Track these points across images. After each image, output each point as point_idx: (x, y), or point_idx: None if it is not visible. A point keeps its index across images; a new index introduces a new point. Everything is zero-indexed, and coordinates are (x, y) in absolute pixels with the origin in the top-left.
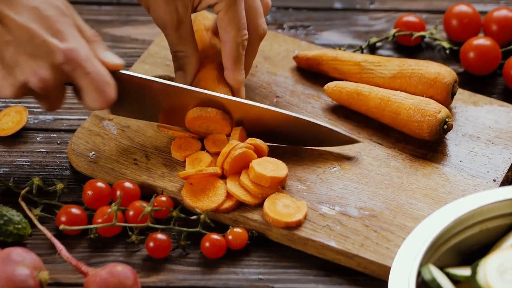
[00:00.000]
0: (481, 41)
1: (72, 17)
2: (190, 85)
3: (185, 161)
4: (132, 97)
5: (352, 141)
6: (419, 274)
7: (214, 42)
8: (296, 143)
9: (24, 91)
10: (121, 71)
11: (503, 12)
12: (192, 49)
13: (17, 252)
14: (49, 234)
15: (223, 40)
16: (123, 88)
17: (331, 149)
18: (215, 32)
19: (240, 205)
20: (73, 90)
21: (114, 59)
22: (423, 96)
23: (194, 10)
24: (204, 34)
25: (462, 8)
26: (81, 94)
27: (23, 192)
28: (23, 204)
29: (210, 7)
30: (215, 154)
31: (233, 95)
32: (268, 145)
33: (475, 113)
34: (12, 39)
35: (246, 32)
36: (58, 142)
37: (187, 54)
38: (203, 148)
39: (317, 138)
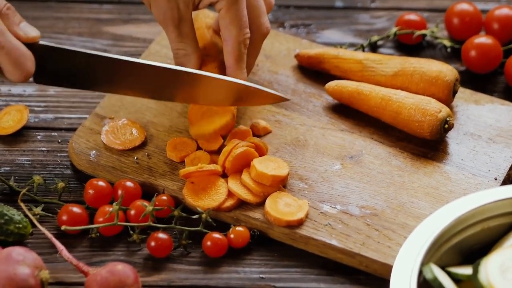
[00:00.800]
0: (483, 39)
1: None
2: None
3: (182, 162)
4: (56, 66)
5: (280, 99)
6: (420, 273)
7: (215, 41)
8: (230, 104)
9: None
10: (41, 43)
11: (504, 11)
12: (193, 47)
13: (17, 252)
14: (49, 235)
15: (224, 39)
16: (45, 57)
17: (329, 141)
18: (217, 30)
19: (242, 204)
20: None
21: (30, 32)
22: (425, 95)
23: (196, 8)
24: (205, 32)
25: (464, 6)
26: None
27: (22, 192)
28: (22, 205)
29: (211, 5)
30: (211, 153)
31: None
32: (271, 141)
33: (477, 112)
34: None
35: (248, 30)
36: (59, 140)
37: (187, 52)
38: (198, 148)
39: (249, 98)
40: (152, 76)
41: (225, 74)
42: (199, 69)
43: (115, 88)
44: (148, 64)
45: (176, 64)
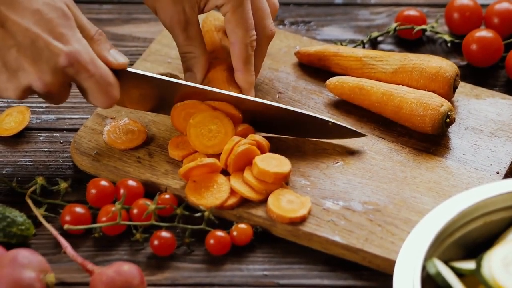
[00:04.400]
0: (484, 33)
1: (74, 18)
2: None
3: (182, 161)
4: (138, 91)
5: (356, 134)
6: (423, 268)
7: (224, 44)
8: (302, 136)
9: (28, 93)
10: (128, 69)
11: (504, 5)
12: (201, 49)
13: (23, 255)
14: (54, 232)
15: (231, 42)
16: (129, 82)
17: (334, 141)
18: (226, 33)
19: (244, 202)
20: (78, 88)
21: (119, 58)
22: (425, 90)
23: (201, 11)
24: (214, 35)
25: (464, 1)
26: (85, 94)
27: (29, 191)
28: (30, 202)
29: (217, 8)
30: (211, 155)
31: None
32: (272, 138)
33: (478, 106)
34: (14, 42)
35: (254, 32)
36: (61, 141)
37: (196, 55)
38: None
39: (322, 131)
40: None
41: (233, 77)
42: (207, 71)
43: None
44: (222, 93)
45: (184, 67)
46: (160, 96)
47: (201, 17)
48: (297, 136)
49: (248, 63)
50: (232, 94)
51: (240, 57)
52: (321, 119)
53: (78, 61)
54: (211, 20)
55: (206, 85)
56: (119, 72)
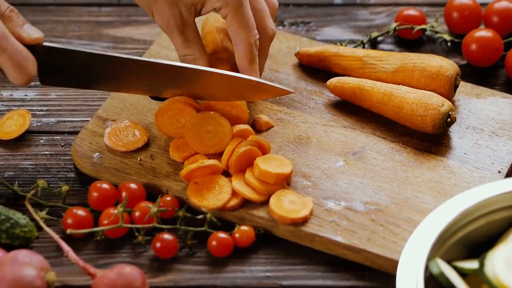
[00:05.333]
0: (483, 33)
1: None
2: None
3: (183, 163)
4: (60, 66)
5: (282, 91)
6: (426, 268)
7: (226, 45)
8: (234, 99)
9: None
10: (44, 44)
11: (503, 4)
12: (200, 51)
13: (23, 254)
14: (56, 236)
15: (235, 44)
16: (49, 58)
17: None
18: (227, 34)
19: (246, 203)
20: None
21: (33, 33)
22: (426, 90)
23: (198, 14)
24: (216, 36)
25: (463, 0)
26: (2, 72)
27: (29, 195)
28: (29, 206)
29: (215, 11)
30: (212, 155)
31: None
32: (273, 139)
33: (478, 105)
34: None
35: (256, 31)
36: (62, 144)
37: (195, 56)
38: None
39: (251, 92)
40: (154, 73)
41: None
42: None
43: (117, 86)
44: (149, 61)
45: None
46: (89, 70)
47: (201, 18)
48: (228, 100)
49: (254, 63)
50: (165, 62)
51: (245, 58)
52: (245, 78)
53: None
54: (211, 22)
55: None
56: (36, 48)
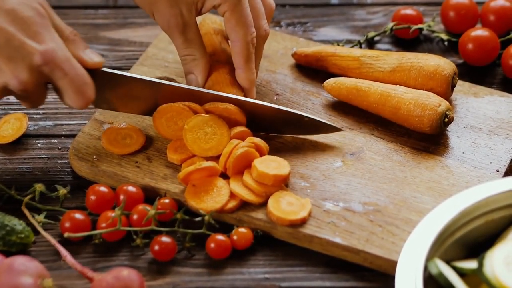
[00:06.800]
0: (479, 32)
1: (49, 17)
2: (203, 87)
3: (181, 165)
4: (116, 92)
5: (333, 129)
6: (425, 268)
7: (224, 47)
8: (281, 133)
9: (4, 93)
10: (103, 69)
11: (500, 2)
12: (201, 51)
13: (19, 262)
14: (53, 241)
15: (232, 40)
16: (106, 83)
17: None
18: (226, 36)
19: (244, 205)
20: (54, 88)
21: (94, 58)
22: (423, 89)
23: (199, 13)
24: (213, 38)
25: None
26: (60, 95)
27: (26, 199)
28: (26, 212)
29: (214, 9)
30: (210, 158)
31: (245, 96)
32: (270, 141)
33: (476, 104)
34: None
35: (254, 30)
36: (59, 147)
37: (196, 57)
38: None
39: (299, 127)
40: (200, 101)
41: (235, 79)
42: (209, 74)
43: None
44: (197, 90)
45: (185, 70)
46: (140, 97)
47: (197, 19)
48: (277, 133)
49: (250, 61)
50: (218, 93)
51: (241, 55)
52: (297, 114)
53: (53, 60)
54: (208, 23)
55: (210, 87)
56: (95, 73)
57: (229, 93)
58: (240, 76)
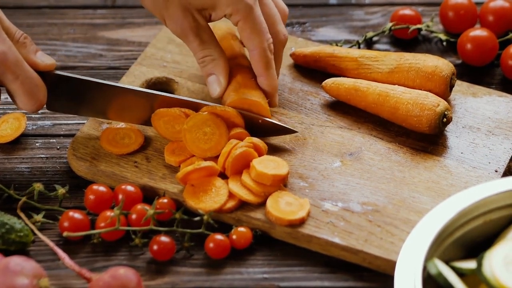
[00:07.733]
0: (478, 32)
1: None
2: (226, 88)
3: (179, 166)
4: (69, 94)
5: (289, 131)
6: (424, 268)
7: (243, 52)
8: (253, 135)
9: None
10: (56, 72)
11: (499, 3)
12: (218, 51)
13: (15, 262)
14: (51, 244)
15: (249, 49)
16: (59, 86)
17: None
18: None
19: (243, 205)
20: (7, 92)
21: (46, 60)
22: (422, 90)
23: (208, 21)
24: (232, 43)
25: None
26: (12, 98)
27: (20, 202)
28: (22, 215)
29: (226, 17)
30: (208, 158)
31: (268, 101)
32: (269, 141)
33: (475, 105)
34: None
35: (269, 35)
36: (58, 147)
37: (214, 56)
38: None
39: (260, 129)
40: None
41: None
42: (233, 75)
43: (125, 118)
44: (160, 95)
45: (204, 73)
46: (97, 99)
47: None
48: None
49: (270, 67)
50: (183, 98)
51: (261, 63)
52: (251, 116)
53: (3, 63)
54: (224, 28)
55: (237, 90)
56: (47, 76)
57: (255, 97)
58: (262, 83)
